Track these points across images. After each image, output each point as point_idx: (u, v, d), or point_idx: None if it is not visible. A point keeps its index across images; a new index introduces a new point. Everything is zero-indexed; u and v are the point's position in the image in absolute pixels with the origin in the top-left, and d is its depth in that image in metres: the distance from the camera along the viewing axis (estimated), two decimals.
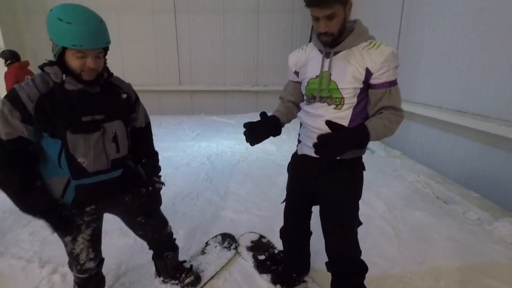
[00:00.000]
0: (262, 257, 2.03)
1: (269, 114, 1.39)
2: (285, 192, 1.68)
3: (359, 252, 1.48)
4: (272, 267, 1.94)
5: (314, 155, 1.40)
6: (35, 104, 1.10)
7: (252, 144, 1.34)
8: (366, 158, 1.43)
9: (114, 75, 1.35)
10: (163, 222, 1.67)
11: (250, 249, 2.14)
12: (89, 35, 1.08)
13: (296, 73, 1.49)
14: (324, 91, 1.33)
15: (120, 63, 7.58)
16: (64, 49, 1.10)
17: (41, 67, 1.16)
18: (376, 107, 1.29)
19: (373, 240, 2.27)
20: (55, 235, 1.33)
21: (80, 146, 1.18)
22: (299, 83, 1.50)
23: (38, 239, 2.25)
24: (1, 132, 1.10)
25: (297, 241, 1.75)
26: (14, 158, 1.14)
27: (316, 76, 1.35)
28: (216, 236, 2.27)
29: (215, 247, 2.13)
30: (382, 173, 3.67)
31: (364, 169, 1.46)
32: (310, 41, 1.48)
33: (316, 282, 1.84)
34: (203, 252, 2.09)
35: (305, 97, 1.46)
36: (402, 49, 4.39)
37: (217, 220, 2.59)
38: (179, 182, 3.38)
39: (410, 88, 4.20)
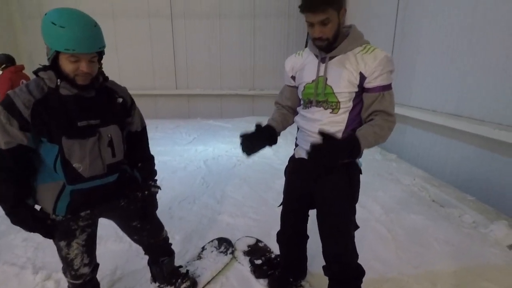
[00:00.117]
0: (258, 262, 2.02)
1: (265, 118, 1.41)
2: (282, 196, 1.68)
3: (356, 256, 1.48)
4: (269, 271, 1.93)
5: None
6: (31, 110, 1.09)
7: (248, 154, 1.36)
8: (362, 161, 1.44)
9: (110, 79, 1.35)
10: (159, 226, 1.66)
11: (246, 253, 2.13)
12: (83, 39, 1.07)
13: (293, 77, 1.50)
14: (320, 96, 1.34)
15: (117, 67, 7.56)
16: (57, 53, 1.09)
17: (36, 72, 1.16)
18: (367, 111, 1.30)
19: (369, 243, 2.27)
20: (49, 240, 1.32)
21: (76, 151, 1.17)
22: (296, 87, 1.51)
23: (32, 245, 2.22)
24: (0, 142, 1.09)
25: (295, 244, 1.75)
26: (12, 169, 1.13)
27: (312, 81, 1.37)
28: (212, 241, 2.25)
29: (212, 251, 2.12)
30: (379, 177, 3.68)
31: (361, 172, 1.47)
32: (306, 46, 1.49)
33: (313, 286, 1.84)
34: (199, 257, 2.08)
35: (301, 102, 1.47)
36: (397, 53, 4.44)
37: (214, 225, 2.58)
38: (176, 186, 3.37)
39: (405, 92, 4.24)
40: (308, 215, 1.66)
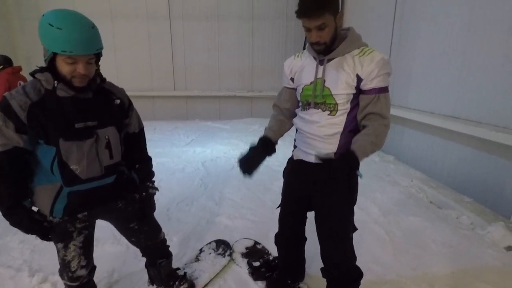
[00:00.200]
0: (257, 264, 2.01)
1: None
2: (280, 198, 1.67)
3: (354, 258, 1.48)
4: (267, 273, 1.92)
5: (309, 160, 1.42)
6: (27, 112, 1.09)
7: (249, 174, 1.41)
8: (360, 164, 1.43)
9: (108, 80, 1.34)
10: (157, 228, 1.65)
11: (244, 255, 2.12)
12: (79, 41, 1.07)
13: (292, 79, 1.50)
14: (318, 97, 1.35)
15: (115, 69, 7.54)
16: (54, 54, 1.09)
17: (32, 74, 1.15)
18: (362, 112, 1.31)
19: (368, 245, 2.27)
20: (46, 243, 1.32)
21: (73, 153, 1.16)
22: (295, 89, 1.51)
23: (28, 247, 2.21)
24: None
25: (293, 246, 1.74)
26: (8, 172, 1.13)
27: (311, 83, 1.37)
28: (210, 243, 2.25)
29: (209, 253, 2.11)
30: (376, 178, 3.68)
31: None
32: (304, 48, 1.50)
33: None
34: (197, 259, 2.07)
35: (300, 103, 1.48)
36: (394, 55, 4.46)
37: (212, 226, 2.57)
38: (174, 188, 3.36)
39: (403, 94, 4.26)
40: (306, 217, 1.66)
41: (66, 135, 1.14)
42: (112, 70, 7.46)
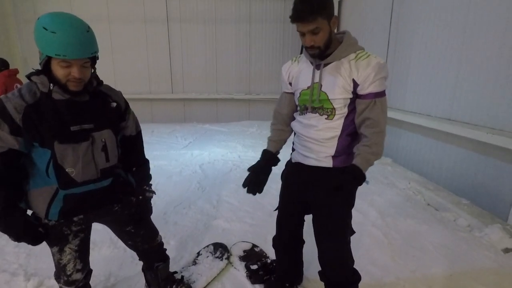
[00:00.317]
0: (254, 267, 2.00)
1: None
2: (278, 201, 1.67)
3: (352, 261, 1.48)
4: (265, 276, 1.91)
5: (307, 163, 1.43)
6: (22, 115, 1.08)
7: (259, 192, 1.50)
8: (369, 180, 1.44)
9: (105, 83, 1.34)
10: (154, 232, 1.64)
11: (242, 258, 2.11)
12: (74, 45, 1.06)
13: (290, 84, 1.51)
14: (315, 102, 1.35)
15: (112, 72, 7.54)
16: (49, 58, 1.09)
17: (28, 77, 1.15)
18: (359, 117, 1.32)
19: (366, 248, 2.27)
20: (42, 246, 1.30)
21: (69, 156, 1.16)
22: (293, 94, 1.51)
23: (24, 251, 2.18)
24: None
25: (291, 249, 1.74)
26: (3, 174, 1.12)
27: (308, 87, 1.38)
28: (208, 246, 2.23)
29: (207, 257, 2.10)
30: (374, 181, 3.69)
31: None
32: (301, 52, 1.51)
33: None
34: (194, 262, 2.06)
35: (298, 108, 1.49)
36: (391, 58, 4.49)
37: (209, 230, 2.56)
38: (171, 191, 3.34)
39: (400, 97, 4.28)
40: (304, 220, 1.66)
41: (61, 138, 1.14)
42: (110, 73, 7.47)
